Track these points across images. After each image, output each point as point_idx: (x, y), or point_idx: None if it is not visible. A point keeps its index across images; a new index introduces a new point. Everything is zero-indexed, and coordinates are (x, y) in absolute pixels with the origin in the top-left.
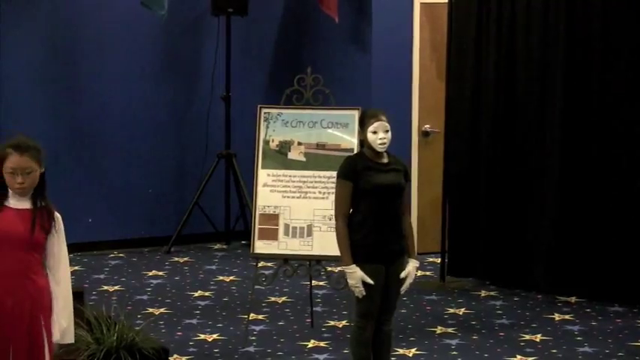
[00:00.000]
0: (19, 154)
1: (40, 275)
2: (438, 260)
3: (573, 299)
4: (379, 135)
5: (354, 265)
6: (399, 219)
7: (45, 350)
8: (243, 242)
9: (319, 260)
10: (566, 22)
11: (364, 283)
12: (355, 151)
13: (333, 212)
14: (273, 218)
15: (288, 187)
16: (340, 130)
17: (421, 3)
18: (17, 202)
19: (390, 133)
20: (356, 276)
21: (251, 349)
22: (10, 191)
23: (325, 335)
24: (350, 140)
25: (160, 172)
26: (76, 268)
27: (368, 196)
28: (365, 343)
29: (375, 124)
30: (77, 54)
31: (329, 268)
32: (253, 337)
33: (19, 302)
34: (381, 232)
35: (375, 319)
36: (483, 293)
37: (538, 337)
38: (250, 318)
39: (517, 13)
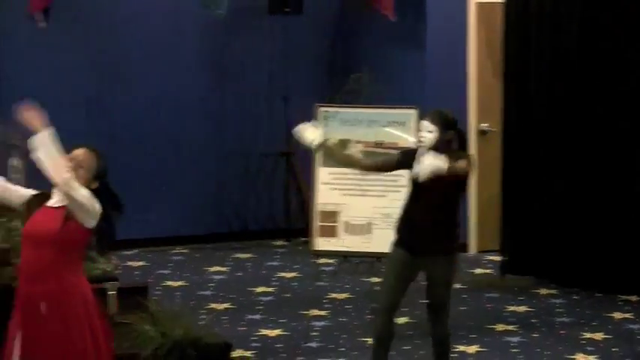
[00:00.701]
0: (84, 149)
1: (75, 274)
2: (498, 258)
3: (634, 298)
4: (419, 134)
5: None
6: (441, 215)
7: (88, 351)
8: (303, 239)
9: (379, 257)
10: (623, 19)
11: (386, 277)
12: None
13: (392, 210)
14: (333, 216)
15: (348, 185)
16: (398, 129)
17: (476, 2)
18: (56, 202)
19: (432, 134)
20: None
21: (313, 344)
22: (53, 192)
23: None
24: (407, 139)
25: (222, 170)
26: (141, 263)
27: (410, 185)
28: (375, 338)
29: (419, 124)
30: (133, 53)
31: None
32: (315, 333)
33: (52, 303)
34: (414, 223)
35: (387, 316)
36: (543, 291)
37: (599, 336)
38: (312, 314)
39: (573, 11)
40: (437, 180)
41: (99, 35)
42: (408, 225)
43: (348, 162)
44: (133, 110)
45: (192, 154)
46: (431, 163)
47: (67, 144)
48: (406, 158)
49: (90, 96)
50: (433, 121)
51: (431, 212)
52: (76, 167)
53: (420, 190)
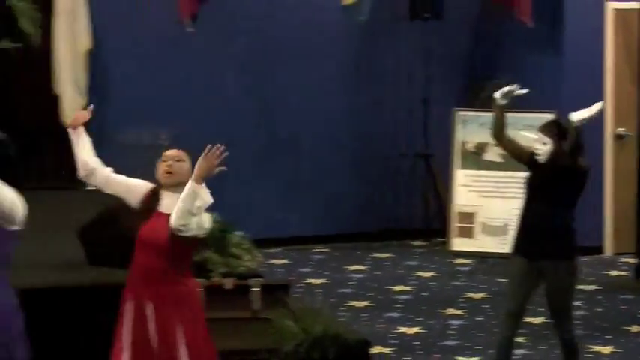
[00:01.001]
0: (173, 148)
1: (183, 279)
2: (633, 260)
3: None
4: (535, 146)
5: None
6: (556, 218)
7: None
8: (441, 239)
9: None
10: None
11: (509, 282)
12: None
13: None
14: (470, 217)
15: (485, 187)
16: (534, 133)
17: (613, 8)
18: (167, 207)
19: (547, 147)
20: None
21: (449, 342)
22: (162, 196)
23: (522, 331)
24: None
25: (362, 171)
26: (283, 261)
27: (526, 188)
28: (504, 338)
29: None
30: (278, 59)
31: None
32: (452, 331)
33: (158, 306)
34: (530, 228)
35: (513, 320)
36: None
37: None
38: (449, 313)
39: None
40: (554, 179)
41: (246, 41)
42: (524, 230)
43: (500, 123)
44: (277, 113)
45: (334, 155)
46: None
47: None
48: (532, 160)
49: (237, 100)
50: (547, 133)
51: (546, 215)
52: (177, 161)
53: (535, 193)
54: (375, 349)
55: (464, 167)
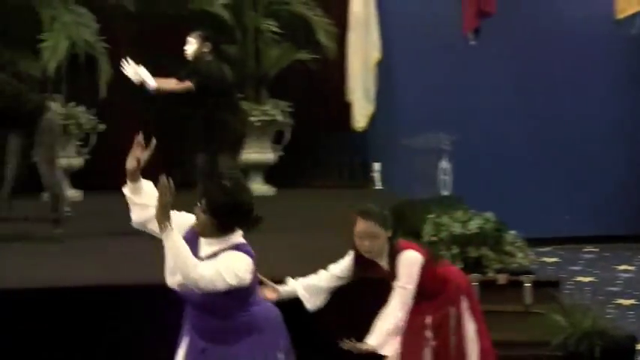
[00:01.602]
0: (364, 220)
1: (449, 283)
2: None
3: None
4: None
5: None
6: None
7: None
8: None
9: None
10: None
11: None
12: None
13: None
14: None
15: None
16: None
17: None
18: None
19: None
20: None
21: None
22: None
23: None
24: None
25: (633, 175)
26: (554, 259)
27: None
28: None
29: None
30: (552, 69)
31: None
32: None
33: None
34: None
35: None
36: None
37: None
38: None
39: None
40: None
41: (524, 53)
42: None
43: None
44: (552, 120)
45: (606, 160)
46: None
47: (499, 151)
48: None
49: (514, 106)
50: None
51: None
52: (370, 239)
53: None
54: None
55: None
